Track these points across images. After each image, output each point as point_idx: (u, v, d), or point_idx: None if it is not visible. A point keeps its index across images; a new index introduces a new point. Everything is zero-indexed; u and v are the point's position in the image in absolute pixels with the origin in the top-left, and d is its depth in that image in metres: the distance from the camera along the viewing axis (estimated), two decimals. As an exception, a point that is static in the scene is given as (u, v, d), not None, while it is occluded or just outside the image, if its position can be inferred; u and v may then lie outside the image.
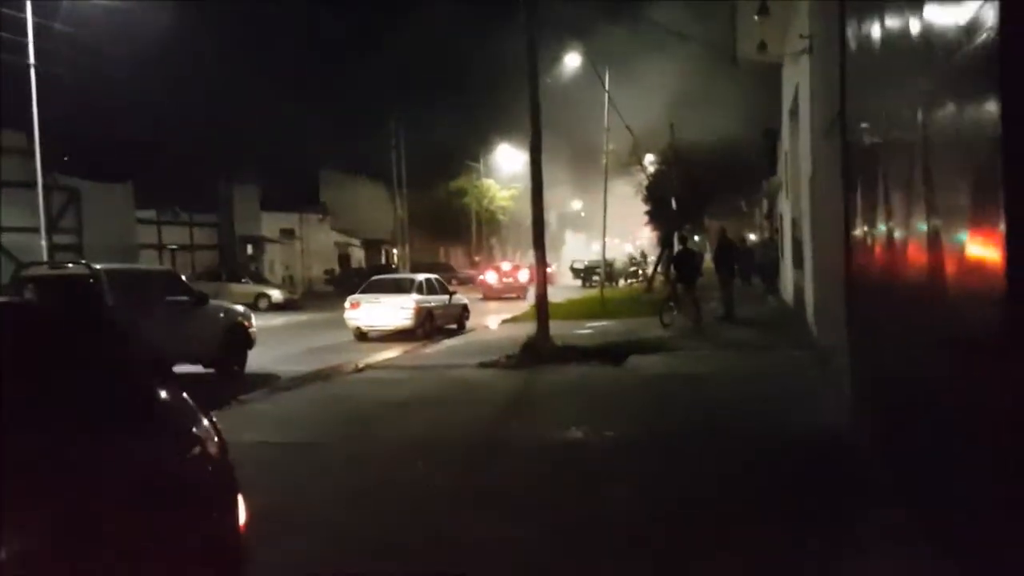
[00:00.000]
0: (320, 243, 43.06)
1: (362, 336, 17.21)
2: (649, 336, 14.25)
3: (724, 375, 10.00)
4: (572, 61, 29.96)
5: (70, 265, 11.80)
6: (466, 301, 19.73)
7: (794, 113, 16.68)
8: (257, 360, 13.20)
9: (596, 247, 38.69)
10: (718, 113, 26.18)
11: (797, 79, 14.50)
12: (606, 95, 24.93)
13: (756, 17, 13.86)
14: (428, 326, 17.19)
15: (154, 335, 10.60)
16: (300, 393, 10.34)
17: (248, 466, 6.49)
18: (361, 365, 12.84)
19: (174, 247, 32.20)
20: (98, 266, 10.79)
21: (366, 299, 17.12)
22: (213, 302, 13.23)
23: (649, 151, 32.64)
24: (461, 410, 8.69)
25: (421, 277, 18.24)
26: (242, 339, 12.86)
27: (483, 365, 11.97)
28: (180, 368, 11.97)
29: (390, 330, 17.09)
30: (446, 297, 18.40)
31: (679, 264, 16.27)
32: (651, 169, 32.77)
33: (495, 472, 6.04)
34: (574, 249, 69.25)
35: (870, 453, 5.64)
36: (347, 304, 17.25)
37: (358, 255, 47.15)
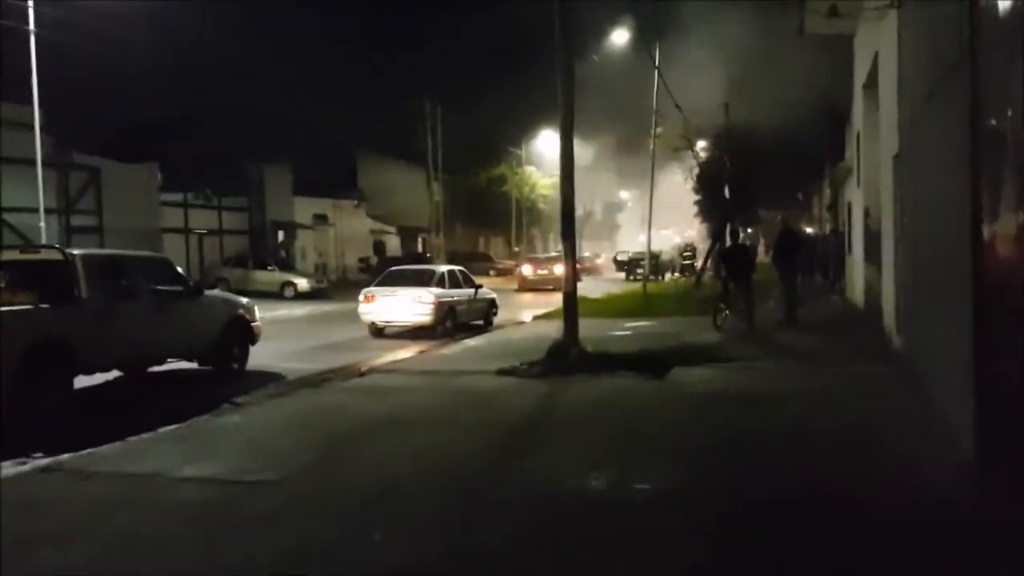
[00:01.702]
0: (355, 230, 41.76)
1: (378, 332, 15.68)
2: (696, 341, 12.37)
3: (788, 399, 8.10)
4: (620, 37, 28.03)
5: (42, 249, 10.45)
6: (493, 295, 18.01)
7: (870, 87, 14.56)
8: (263, 355, 12.05)
9: (643, 238, 36.72)
10: (778, 94, 23.93)
11: (876, 45, 12.43)
12: (655, 71, 22.89)
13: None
14: (449, 323, 15.56)
15: (137, 328, 9.52)
16: (284, 403, 8.81)
17: (167, 519, 4.93)
18: (364, 368, 11.29)
19: (202, 231, 31.11)
20: (76, 251, 9.47)
21: (381, 292, 15.54)
22: (212, 293, 11.91)
23: (702, 136, 30.40)
24: (459, 436, 7.00)
25: (443, 268, 16.58)
26: (243, 334, 11.54)
27: (501, 372, 10.30)
28: (172, 365, 10.74)
29: (407, 326, 15.52)
30: (471, 291, 16.72)
31: (731, 260, 14.26)
32: (703, 155, 30.53)
33: (470, 547, 4.33)
34: (627, 240, 67.24)
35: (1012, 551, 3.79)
36: (361, 297, 15.70)
37: (394, 243, 45.82)
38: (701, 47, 25.63)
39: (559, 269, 31.18)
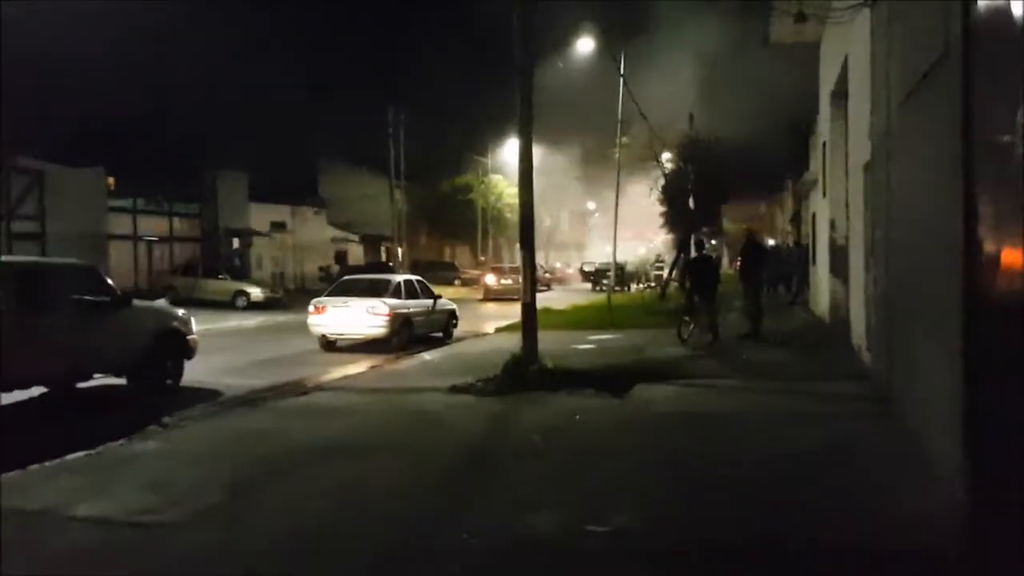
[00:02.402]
0: (315, 238, 40.76)
1: (329, 345, 14.91)
2: (660, 356, 11.86)
3: (755, 421, 7.57)
4: (585, 46, 27.67)
5: None
6: (453, 306, 17.36)
7: (837, 95, 14.25)
8: (203, 370, 11.35)
9: (610, 249, 36.34)
10: (742, 105, 23.79)
11: (846, 49, 12.07)
12: (620, 80, 22.51)
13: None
14: (405, 335, 14.86)
15: (59, 341, 8.70)
16: (211, 427, 8.06)
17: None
18: (309, 386, 10.56)
19: (152, 238, 29.97)
20: None
21: (333, 303, 14.80)
22: (144, 303, 11.06)
23: (667, 147, 30.16)
24: (398, 467, 6.33)
25: (399, 278, 15.88)
26: (177, 348, 10.75)
27: (455, 390, 9.66)
28: (105, 381, 9.94)
29: (360, 339, 14.78)
30: (429, 302, 16.04)
31: (695, 272, 13.76)
32: (668, 166, 30.25)
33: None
34: (595, 251, 66.91)
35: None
36: (311, 308, 14.94)
37: (357, 252, 44.89)
38: (667, 57, 25.44)
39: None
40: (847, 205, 14.63)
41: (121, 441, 7.34)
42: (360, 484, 5.85)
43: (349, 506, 5.33)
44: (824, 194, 16.23)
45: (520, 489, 5.59)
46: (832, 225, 14.99)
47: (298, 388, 10.41)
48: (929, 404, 5.49)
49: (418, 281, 16.52)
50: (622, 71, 22.96)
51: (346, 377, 11.49)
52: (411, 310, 15.18)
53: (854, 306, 11.77)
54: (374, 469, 6.26)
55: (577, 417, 7.96)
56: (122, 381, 10.08)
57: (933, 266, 5.32)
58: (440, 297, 16.74)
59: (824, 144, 16.05)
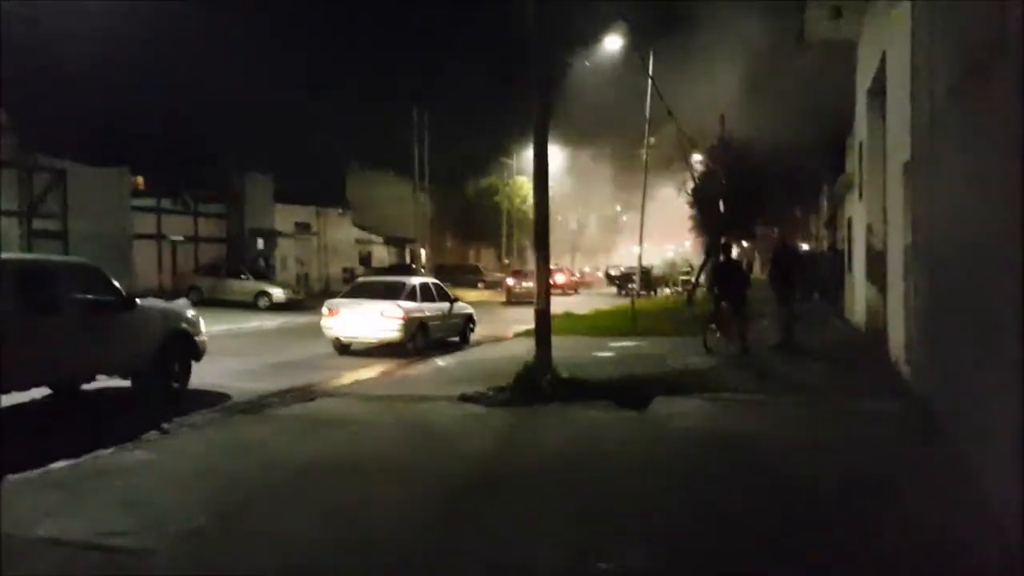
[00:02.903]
0: (340, 239, 40.59)
1: (343, 349, 14.54)
2: (684, 366, 11.28)
3: (784, 444, 6.96)
4: (613, 44, 27.14)
5: None
6: (470, 310, 16.88)
7: (875, 92, 13.55)
8: (215, 373, 11.06)
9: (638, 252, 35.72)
10: (776, 105, 23.00)
11: (884, 45, 11.41)
12: (649, 79, 21.91)
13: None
14: (420, 339, 14.42)
15: (62, 341, 8.60)
16: (207, 436, 7.66)
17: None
18: (316, 392, 10.16)
19: (177, 238, 29.93)
20: None
21: (346, 305, 14.41)
22: (151, 303, 10.72)
23: (697, 149, 29.47)
24: (396, 488, 5.84)
25: (415, 281, 15.43)
26: (185, 349, 10.41)
27: (464, 399, 9.19)
28: (111, 383, 9.62)
29: (374, 343, 14.38)
30: (446, 305, 15.59)
31: (724, 277, 13.10)
32: (698, 168, 29.55)
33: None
34: (623, 254, 66.29)
35: None
36: (325, 310, 14.56)
37: (381, 253, 44.68)
38: (697, 56, 24.76)
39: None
40: (885, 208, 13.95)
41: (111, 449, 6.98)
42: (355, 508, 5.37)
43: (340, 535, 4.85)
44: (860, 197, 15.50)
45: (523, 516, 5.08)
46: (869, 229, 14.28)
47: (305, 394, 10.01)
48: (984, 433, 4.88)
49: (434, 284, 16.09)
50: (650, 70, 22.36)
51: (355, 383, 11.07)
52: (427, 314, 14.74)
53: (892, 316, 11.10)
54: (370, 491, 5.78)
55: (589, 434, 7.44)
56: (128, 383, 9.80)
57: (988, 274, 4.72)
58: (457, 300, 16.30)
59: (860, 145, 15.33)
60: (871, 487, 5.56)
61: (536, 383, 9.30)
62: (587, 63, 25.34)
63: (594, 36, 26.91)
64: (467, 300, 18.99)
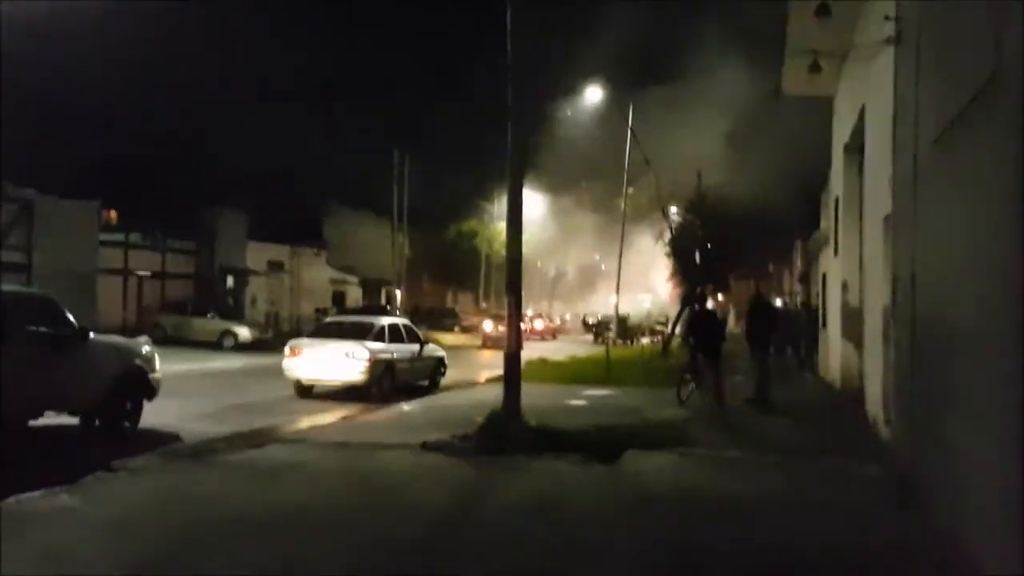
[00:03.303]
0: (313, 279, 40.04)
1: (303, 391, 13.97)
2: (657, 418, 10.86)
3: (758, 505, 6.56)
4: (594, 95, 27.30)
5: None
6: (442, 353, 16.42)
7: (852, 148, 13.54)
8: (168, 413, 10.60)
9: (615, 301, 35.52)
10: (752, 160, 23.11)
11: (863, 98, 11.37)
12: (628, 131, 21.93)
13: (815, 16, 10.79)
14: (387, 383, 13.92)
15: (8, 375, 7.85)
16: (140, 481, 7.11)
17: None
18: (267, 437, 9.61)
19: (145, 274, 29.23)
20: None
21: (310, 345, 13.91)
22: (105, 338, 10.20)
23: (674, 201, 29.52)
24: (333, 549, 5.34)
25: (383, 321, 14.97)
26: (138, 387, 9.92)
27: (426, 448, 8.71)
28: (48, 420, 8.97)
29: (337, 385, 13.85)
30: (415, 347, 15.10)
31: (699, 328, 12.79)
32: (676, 219, 29.55)
33: None
34: (601, 303, 66.18)
35: None
36: (287, 350, 14.04)
37: (356, 294, 44.12)
38: (675, 109, 24.90)
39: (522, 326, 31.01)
40: (861, 264, 13.81)
41: (38, 492, 6.41)
42: (280, 569, 4.88)
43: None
44: (836, 253, 15.39)
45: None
46: (844, 286, 14.11)
47: (255, 439, 9.46)
48: (971, 501, 4.53)
49: (404, 325, 15.65)
50: (629, 120, 22.40)
51: (311, 428, 10.54)
52: (395, 356, 14.26)
53: (869, 374, 10.83)
54: (303, 549, 5.29)
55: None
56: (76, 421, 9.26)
57: (978, 332, 4.42)
58: (428, 343, 15.85)
59: (837, 200, 15.28)
60: (845, 553, 5.17)
61: (503, 432, 8.86)
62: (568, 112, 25.41)
63: (574, 88, 27.07)
64: (443, 344, 18.57)
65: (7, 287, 10.13)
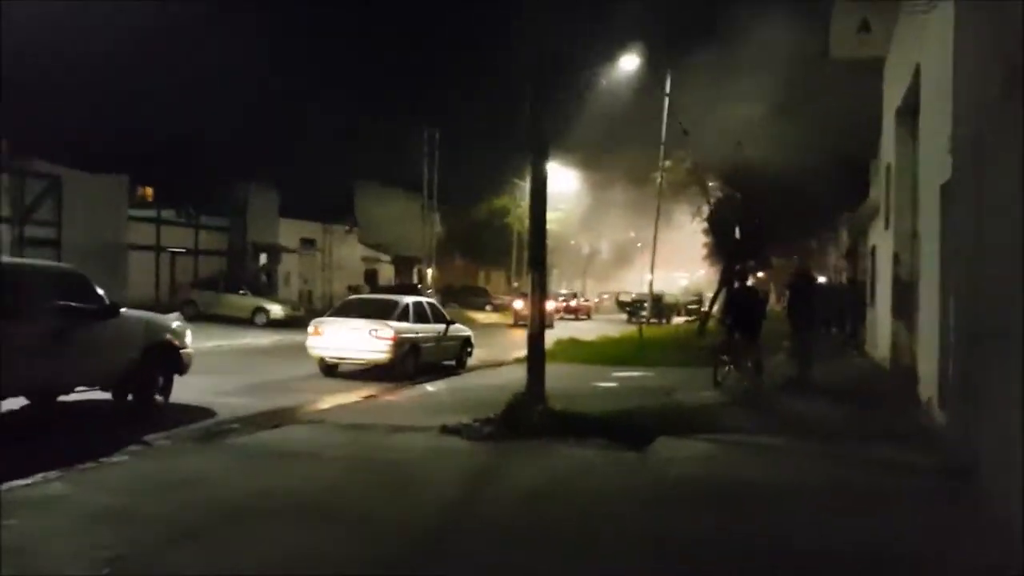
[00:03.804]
0: (346, 257, 39.85)
1: (328, 370, 13.63)
2: (691, 401, 10.29)
3: (801, 498, 5.99)
4: (629, 63, 26.44)
5: None
6: (468, 333, 15.95)
7: (905, 112, 12.67)
8: (198, 389, 10.39)
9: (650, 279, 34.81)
10: (796, 129, 22.05)
11: (917, 58, 10.53)
12: (665, 96, 21.09)
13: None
14: (411, 362, 13.50)
15: (37, 350, 7.84)
16: (141, 466, 6.79)
17: None
18: (282, 419, 9.26)
19: (177, 250, 29.23)
20: None
21: (333, 324, 13.53)
22: (134, 313, 9.85)
23: (713, 174, 28.47)
24: (338, 542, 4.92)
25: (408, 300, 14.52)
26: (169, 362, 9.71)
27: (446, 431, 8.28)
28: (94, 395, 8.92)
29: (361, 364, 13.48)
30: (440, 327, 14.66)
31: (737, 306, 12.05)
32: (715, 194, 28.52)
33: None
34: (636, 281, 65.36)
35: None
36: (310, 328, 13.70)
37: (388, 272, 43.90)
38: (714, 77, 23.89)
39: (551, 305, 30.36)
40: (914, 235, 13.00)
41: (31, 480, 6.10)
42: (278, 563, 4.46)
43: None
44: (887, 225, 14.52)
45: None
46: (896, 259, 13.28)
47: (273, 419, 9.13)
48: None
49: (429, 303, 15.20)
50: (667, 89, 21.54)
51: (331, 409, 10.17)
52: (419, 335, 13.83)
53: (923, 353, 10.10)
54: (308, 543, 4.87)
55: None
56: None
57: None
58: (454, 322, 15.39)
59: (888, 168, 14.39)
60: (901, 555, 4.59)
61: (526, 415, 8.36)
62: (603, 80, 24.57)
63: (608, 55, 26.19)
64: (474, 322, 18.17)
65: (38, 262, 10.11)
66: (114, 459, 6.89)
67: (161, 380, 9.52)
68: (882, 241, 15.57)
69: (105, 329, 8.72)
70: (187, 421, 8.85)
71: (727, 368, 11.72)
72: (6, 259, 9.78)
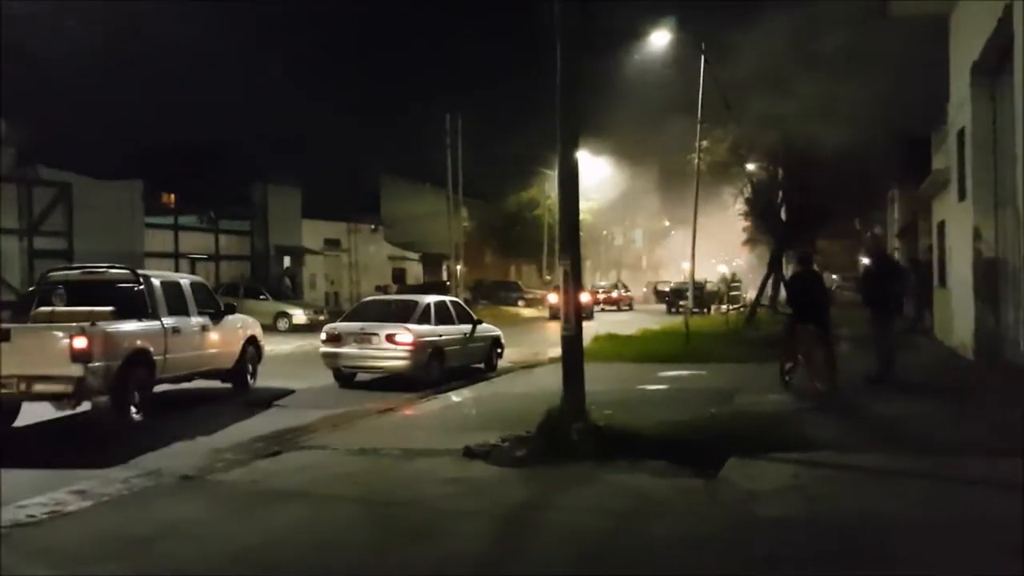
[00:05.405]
0: (372, 256, 38.79)
1: (345, 380, 12.43)
2: (758, 409, 8.83)
3: (932, 541, 4.56)
4: (661, 39, 24.89)
5: (110, 270, 10.48)
6: (497, 333, 14.60)
7: (982, 69, 11.12)
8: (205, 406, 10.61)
9: (687, 266, 33.17)
10: (846, 99, 20.29)
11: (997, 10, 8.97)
12: (701, 66, 19.52)
13: None
14: (435, 368, 12.25)
15: (191, 344, 10.25)
16: (99, 519, 5.57)
17: None
18: (284, 443, 8.03)
19: (198, 256, 28.33)
20: (148, 273, 10.22)
21: (348, 329, 12.31)
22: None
23: (755, 153, 26.68)
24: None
25: (430, 299, 13.20)
26: (256, 351, 12.12)
27: (470, 454, 7.00)
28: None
29: (379, 372, 12.25)
30: (466, 328, 13.33)
31: (799, 292, 10.46)
32: (757, 174, 26.73)
33: None
34: (671, 270, 63.69)
35: None
36: (323, 335, 12.51)
37: (416, 270, 42.79)
38: (753, 46, 22.21)
39: (586, 298, 29.08)
40: (996, 207, 11.46)
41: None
42: None
43: None
44: (962, 196, 12.90)
45: None
46: (977, 234, 11.68)
47: (273, 444, 7.92)
48: None
49: (453, 303, 13.90)
50: (701, 60, 19.97)
51: (340, 428, 8.91)
52: (443, 338, 12.53)
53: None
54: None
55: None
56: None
57: None
58: (481, 322, 14.07)
59: (961, 134, 12.76)
60: None
61: (563, 434, 7.02)
62: (636, 56, 23.02)
63: (645, 25, 24.55)
64: (507, 317, 16.85)
65: (183, 275, 12.55)
66: (70, 507, 5.70)
67: (251, 367, 11.72)
68: (955, 215, 13.94)
69: (224, 326, 11.04)
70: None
71: (797, 366, 10.19)
72: (171, 275, 12.07)
